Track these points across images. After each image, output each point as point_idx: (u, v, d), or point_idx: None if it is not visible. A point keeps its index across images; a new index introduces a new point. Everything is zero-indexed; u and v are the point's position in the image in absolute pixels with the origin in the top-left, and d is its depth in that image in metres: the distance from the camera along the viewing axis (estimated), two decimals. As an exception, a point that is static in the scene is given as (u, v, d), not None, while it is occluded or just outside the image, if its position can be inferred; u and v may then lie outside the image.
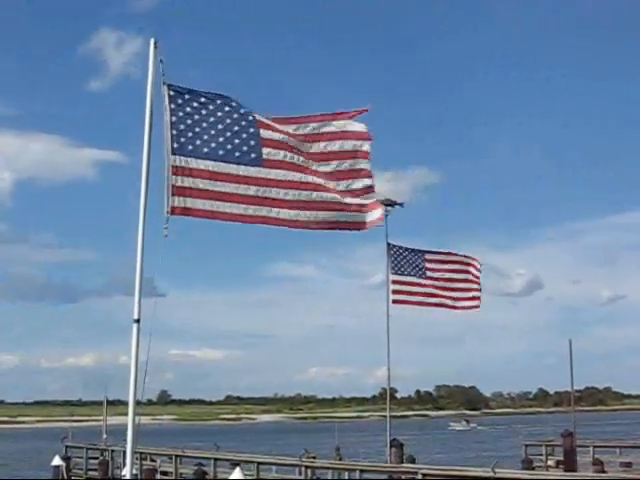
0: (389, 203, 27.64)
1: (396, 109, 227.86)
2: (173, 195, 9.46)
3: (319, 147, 10.30)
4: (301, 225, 10.06)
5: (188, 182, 9.54)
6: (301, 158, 10.14)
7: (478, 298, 27.36)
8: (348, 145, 10.44)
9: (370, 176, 10.48)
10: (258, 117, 10.00)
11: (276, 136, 10.04)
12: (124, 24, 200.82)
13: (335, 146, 10.38)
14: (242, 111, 9.92)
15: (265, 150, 9.91)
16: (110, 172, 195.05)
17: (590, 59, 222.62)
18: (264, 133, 9.95)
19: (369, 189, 10.45)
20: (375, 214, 10.48)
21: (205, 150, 9.67)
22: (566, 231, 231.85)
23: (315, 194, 10.06)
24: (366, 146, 10.51)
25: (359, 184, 10.40)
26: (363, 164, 10.47)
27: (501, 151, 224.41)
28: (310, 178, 10.09)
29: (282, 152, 10.01)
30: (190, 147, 9.61)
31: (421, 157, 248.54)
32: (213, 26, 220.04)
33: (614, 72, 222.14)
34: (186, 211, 9.55)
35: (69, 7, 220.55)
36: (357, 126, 10.52)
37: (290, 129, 10.17)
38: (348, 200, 10.23)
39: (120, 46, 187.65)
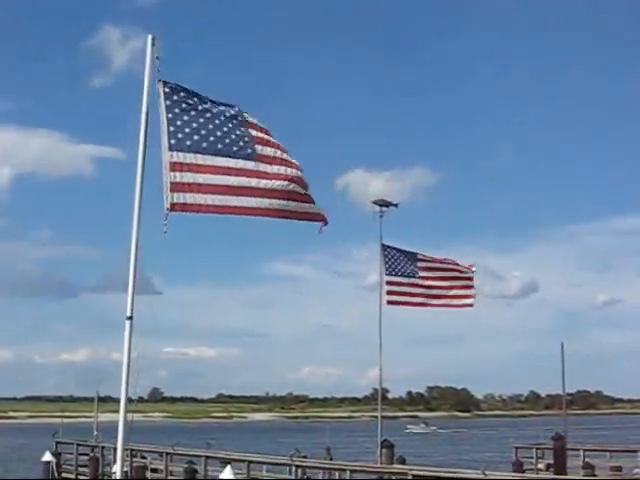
0: (383, 204, 27.67)
1: (396, 107, 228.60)
2: (172, 191, 9.47)
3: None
4: (287, 215, 10.18)
5: (187, 178, 9.56)
6: (285, 154, 10.28)
7: (472, 297, 27.41)
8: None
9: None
10: (247, 118, 10.16)
11: (264, 136, 10.22)
12: (129, 20, 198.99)
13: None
14: (232, 112, 10.07)
15: (258, 147, 10.06)
16: (109, 168, 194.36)
17: (590, 60, 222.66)
18: (253, 132, 10.11)
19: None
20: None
21: (204, 145, 9.73)
22: (563, 234, 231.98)
23: (292, 185, 10.18)
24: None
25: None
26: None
27: (501, 152, 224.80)
28: (290, 171, 10.21)
29: (270, 149, 10.16)
30: (188, 142, 9.65)
31: (421, 157, 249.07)
32: (218, 24, 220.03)
33: (615, 73, 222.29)
34: (186, 207, 9.56)
35: (73, 2, 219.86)
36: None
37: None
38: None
39: (124, 42, 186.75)
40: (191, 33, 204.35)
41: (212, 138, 9.78)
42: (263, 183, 9.92)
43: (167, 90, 9.68)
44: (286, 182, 10.08)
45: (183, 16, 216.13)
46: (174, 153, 9.54)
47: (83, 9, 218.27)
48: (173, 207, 9.44)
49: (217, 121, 9.88)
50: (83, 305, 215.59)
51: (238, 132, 9.98)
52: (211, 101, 10.02)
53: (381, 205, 27.52)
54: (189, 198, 9.55)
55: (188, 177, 9.56)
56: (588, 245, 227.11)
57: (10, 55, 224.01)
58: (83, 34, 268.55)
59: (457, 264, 27.63)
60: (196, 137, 9.69)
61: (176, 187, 9.49)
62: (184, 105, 9.73)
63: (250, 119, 10.17)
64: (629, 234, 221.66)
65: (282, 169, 10.14)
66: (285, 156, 10.25)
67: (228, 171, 9.76)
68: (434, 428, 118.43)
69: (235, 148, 9.88)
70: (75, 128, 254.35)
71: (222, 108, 10.02)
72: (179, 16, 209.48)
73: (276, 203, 10.00)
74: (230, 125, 9.95)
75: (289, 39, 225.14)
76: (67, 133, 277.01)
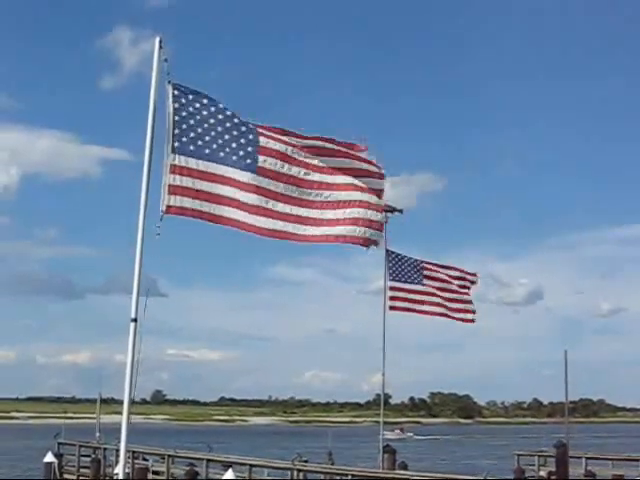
0: (389, 209, 27.62)
1: (402, 112, 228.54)
2: (169, 194, 9.46)
3: (323, 160, 10.16)
4: (281, 236, 9.99)
5: (187, 182, 9.54)
6: (301, 171, 10.08)
7: (473, 312, 27.44)
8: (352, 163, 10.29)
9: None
10: (259, 128, 9.98)
11: (276, 146, 10.00)
12: (141, 22, 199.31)
13: (342, 163, 10.22)
14: (242, 119, 9.92)
15: (261, 158, 9.88)
16: (116, 170, 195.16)
17: (595, 69, 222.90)
18: (263, 141, 9.94)
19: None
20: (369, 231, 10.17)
21: (206, 151, 9.69)
22: (569, 242, 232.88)
23: (303, 210, 9.99)
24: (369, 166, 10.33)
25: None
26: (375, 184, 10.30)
27: (507, 159, 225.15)
28: (300, 191, 9.98)
29: (279, 162, 9.96)
30: (191, 147, 9.62)
31: (427, 163, 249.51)
32: (232, 25, 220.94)
33: (620, 83, 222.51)
34: (182, 211, 9.53)
35: (84, 3, 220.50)
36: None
37: (293, 141, 10.10)
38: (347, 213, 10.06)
39: (135, 44, 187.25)
40: (205, 35, 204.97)
41: (215, 145, 9.71)
42: (252, 198, 9.74)
43: (175, 92, 9.66)
44: (287, 205, 9.90)
45: (196, 18, 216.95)
46: (177, 156, 9.52)
47: (95, 10, 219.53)
48: (169, 209, 9.43)
49: (221, 128, 9.79)
50: (87, 306, 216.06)
51: (243, 140, 9.85)
52: (222, 107, 9.85)
53: (386, 211, 27.45)
54: (187, 202, 9.52)
55: (187, 181, 9.53)
56: (593, 253, 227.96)
57: (19, 55, 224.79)
58: (94, 35, 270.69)
59: (463, 270, 27.58)
60: (199, 142, 9.66)
61: (174, 190, 9.46)
62: (191, 109, 9.72)
63: (260, 129, 9.91)
64: (634, 242, 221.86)
65: (289, 188, 9.92)
66: (302, 173, 10.00)
67: (225, 180, 9.68)
68: (410, 434, 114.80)
69: (234, 158, 9.75)
70: (83, 129, 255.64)
71: (233, 112, 9.88)
72: (193, 18, 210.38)
73: (271, 223, 9.83)
74: (236, 132, 9.84)
75: (298, 41, 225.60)
76: (75, 134, 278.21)
